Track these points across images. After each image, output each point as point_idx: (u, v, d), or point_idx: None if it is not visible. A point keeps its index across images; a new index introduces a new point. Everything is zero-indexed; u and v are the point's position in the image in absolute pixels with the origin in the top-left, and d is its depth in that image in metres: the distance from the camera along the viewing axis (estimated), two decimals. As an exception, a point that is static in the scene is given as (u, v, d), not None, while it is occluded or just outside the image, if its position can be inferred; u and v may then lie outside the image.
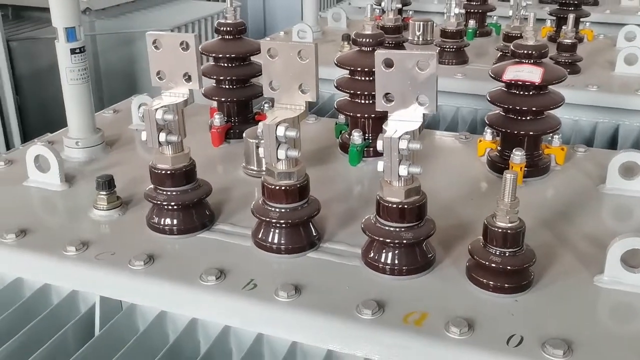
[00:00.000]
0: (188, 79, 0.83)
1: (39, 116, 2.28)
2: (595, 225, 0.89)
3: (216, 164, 1.09)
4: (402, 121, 0.74)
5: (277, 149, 0.76)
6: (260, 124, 0.76)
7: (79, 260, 0.82)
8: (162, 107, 0.80)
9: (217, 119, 1.12)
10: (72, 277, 0.82)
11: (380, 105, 0.75)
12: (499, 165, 1.02)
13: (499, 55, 1.60)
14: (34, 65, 2.30)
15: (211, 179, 0.91)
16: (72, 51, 1.03)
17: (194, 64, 0.82)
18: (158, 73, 0.84)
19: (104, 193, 0.90)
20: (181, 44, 0.81)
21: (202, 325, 0.81)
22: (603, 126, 1.46)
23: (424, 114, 0.73)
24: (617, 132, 1.44)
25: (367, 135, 1.07)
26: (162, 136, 0.81)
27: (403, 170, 0.72)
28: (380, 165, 0.72)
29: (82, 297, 0.86)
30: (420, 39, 1.81)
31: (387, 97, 0.75)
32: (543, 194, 0.97)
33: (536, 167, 1.01)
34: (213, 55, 1.12)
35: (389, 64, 0.73)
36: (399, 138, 0.71)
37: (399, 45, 1.47)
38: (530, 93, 0.97)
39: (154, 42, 0.83)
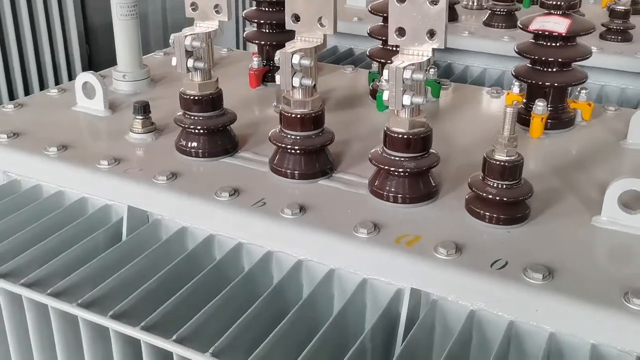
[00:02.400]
0: (218, 10, 0.88)
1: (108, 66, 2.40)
2: (609, 176, 0.89)
3: (251, 103, 1.14)
4: (412, 55, 0.77)
5: (292, 76, 0.80)
6: (278, 52, 0.80)
7: (110, 173, 0.89)
8: (191, 34, 0.86)
9: (256, 62, 1.17)
10: (103, 187, 0.89)
11: (393, 39, 0.78)
12: (523, 116, 1.03)
13: (488, 14, 1.60)
14: (105, 17, 2.41)
15: (243, 115, 0.97)
16: (123, -13, 1.10)
17: (224, -4, 0.87)
18: (192, 4, 0.90)
19: (140, 117, 0.97)
20: (213, -24, 0.87)
21: (217, 241, 0.87)
22: (650, 96, 1.43)
23: (433, 49, 0.76)
24: (664, 103, 1.41)
25: (396, 82, 1.10)
26: (190, 62, 0.87)
27: (406, 100, 0.75)
28: (386, 94, 0.76)
29: (114, 210, 0.94)
30: (475, 4, 1.81)
31: (400, 31, 0.78)
32: (562, 145, 0.98)
33: (559, 120, 1.02)
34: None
35: (401, -2, 0.76)
36: (404, 68, 0.74)
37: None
38: (557, 44, 0.98)
39: (189, -25, 0.88)
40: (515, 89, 1.08)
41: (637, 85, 1.44)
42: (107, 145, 0.97)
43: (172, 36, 0.86)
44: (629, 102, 1.44)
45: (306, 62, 0.80)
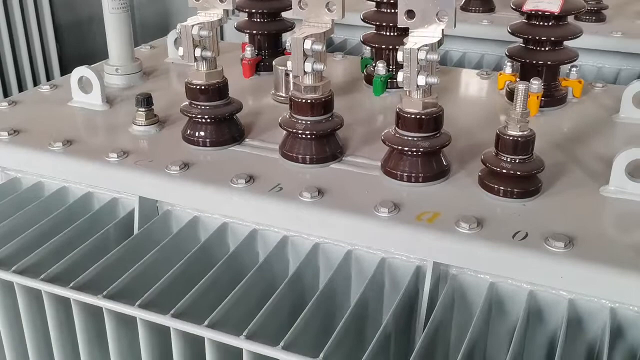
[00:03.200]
0: (222, -1, 0.88)
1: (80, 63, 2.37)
2: (606, 147, 0.93)
3: (247, 93, 1.14)
4: (422, 37, 0.79)
5: (304, 62, 0.81)
6: (289, 37, 0.81)
7: (119, 165, 0.88)
8: (198, 23, 0.86)
9: (249, 51, 1.18)
10: (113, 180, 0.89)
11: (402, 21, 0.80)
12: (517, 95, 1.06)
13: None
14: (74, 16, 2.38)
15: (243, 104, 0.97)
16: (113, -19, 1.09)
17: (228, -15, 0.87)
18: (195, -6, 0.90)
19: (143, 109, 0.97)
20: (216, -35, 0.87)
21: (231, 229, 0.88)
22: (626, 73, 1.48)
23: (442, 30, 0.78)
24: (640, 79, 1.46)
25: (391, 67, 1.12)
26: (198, 51, 0.87)
27: (421, 80, 0.77)
28: (400, 75, 0.77)
29: (121, 204, 0.94)
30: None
31: (409, 14, 0.79)
32: (558, 121, 1.02)
33: (553, 98, 1.05)
34: (246, -11, 1.17)
35: (410, -19, 0.77)
36: (418, 49, 0.75)
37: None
38: (550, 23, 1.01)
39: (191, -36, 0.88)
40: (508, 69, 1.10)
41: (612, 64, 1.49)
42: (111, 138, 0.97)
43: (178, 26, 0.86)
44: (605, 80, 1.48)
45: (318, 47, 0.81)
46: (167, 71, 1.25)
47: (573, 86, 1.08)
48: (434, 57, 0.76)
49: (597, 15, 1.55)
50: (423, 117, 0.80)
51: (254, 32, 1.20)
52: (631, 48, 1.45)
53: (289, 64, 0.83)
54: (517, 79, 1.08)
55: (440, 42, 0.79)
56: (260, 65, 1.21)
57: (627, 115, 1.00)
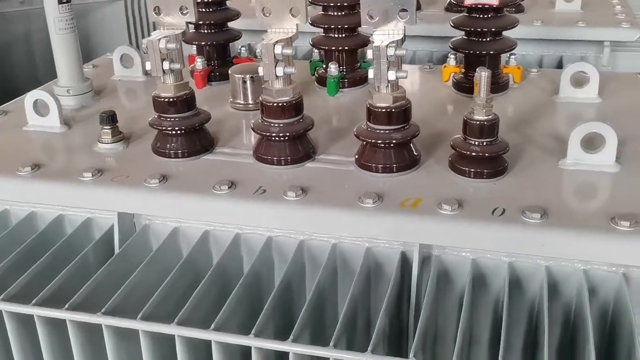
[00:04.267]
0: (183, 10, 0.90)
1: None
2: (553, 126, 1.00)
3: (203, 104, 1.15)
4: (386, 34, 0.83)
5: (276, 66, 0.84)
6: (259, 44, 0.84)
7: (96, 184, 0.88)
8: (164, 37, 0.87)
9: (200, 62, 1.19)
10: (90, 199, 0.88)
11: (365, 21, 0.84)
12: (464, 85, 1.12)
13: (448, 1, 1.71)
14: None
15: (204, 114, 0.99)
16: (60, 1, 1.08)
17: (189, -3, 0.89)
18: (155, 9, 0.91)
19: (108, 127, 0.97)
20: (176, -21, 0.88)
21: (213, 237, 0.89)
22: (548, 59, 1.59)
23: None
24: (562, 63, 1.57)
25: (341, 67, 1.16)
26: (166, 64, 0.88)
27: (392, 75, 0.81)
28: (371, 72, 0.81)
29: (96, 223, 0.93)
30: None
31: (371, 14, 0.84)
32: (505, 106, 1.08)
33: (497, 85, 1.12)
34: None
35: (371, -18, 0.82)
36: (387, 46, 0.80)
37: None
38: (489, 15, 1.08)
39: (150, -21, 0.89)
40: (452, 61, 1.17)
41: (535, 51, 1.59)
42: (79, 159, 0.96)
43: (144, 41, 0.87)
44: (530, 66, 1.58)
45: (288, 51, 0.83)
46: (115, 89, 1.24)
47: (513, 73, 1.15)
48: (402, 52, 0.80)
49: (517, 6, 1.65)
50: (394, 110, 0.84)
51: (203, 43, 1.21)
52: (551, 35, 1.56)
53: (260, 70, 0.85)
54: (462, 70, 1.15)
55: (403, 39, 0.83)
56: (211, 75, 1.22)
57: (566, 95, 1.08)
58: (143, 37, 2.41)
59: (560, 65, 1.57)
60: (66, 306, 0.76)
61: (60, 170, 0.92)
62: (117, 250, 0.89)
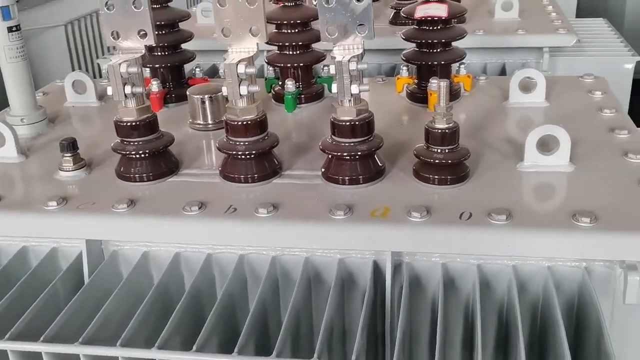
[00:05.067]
0: (144, 35, 0.90)
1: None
2: (507, 131, 1.04)
3: (162, 126, 1.15)
4: (346, 49, 0.85)
5: (240, 85, 0.85)
6: (222, 64, 0.84)
7: (61, 212, 0.87)
8: (125, 61, 0.87)
9: (155, 85, 1.19)
10: (58, 228, 0.87)
11: (325, 37, 0.86)
12: (418, 95, 1.16)
13: (393, 13, 1.75)
14: None
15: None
16: (9, 29, 1.06)
17: (147, 21, 0.89)
18: (112, 33, 0.91)
19: (69, 154, 0.95)
20: (133, 2, 0.88)
21: (184, 259, 0.89)
22: (491, 66, 1.64)
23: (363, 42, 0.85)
24: (505, 70, 1.63)
25: (298, 83, 1.18)
26: (128, 89, 0.88)
27: (355, 89, 0.83)
28: (335, 87, 0.83)
29: (62, 253, 0.92)
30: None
31: (329, 30, 0.86)
32: (459, 114, 1.12)
33: (450, 94, 1.15)
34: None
35: (329, -1, 0.84)
36: (349, 61, 0.82)
37: None
38: (439, 27, 1.11)
39: (106, 3, 0.89)
40: (404, 73, 1.20)
41: (478, 59, 1.65)
42: (40, 188, 0.94)
43: (105, 66, 0.87)
44: (475, 74, 1.63)
45: (251, 70, 0.85)
46: (69, 116, 1.22)
47: (464, 81, 1.19)
48: (364, 66, 0.82)
49: (458, 17, 1.70)
50: (358, 123, 0.86)
51: (157, 65, 1.21)
52: (493, 43, 1.62)
53: (223, 89, 0.86)
54: (415, 81, 1.18)
55: (363, 54, 0.85)
56: (167, 97, 1.22)
57: (516, 101, 1.13)
58: (85, 62, 2.38)
59: (503, 72, 1.63)
60: (42, 338, 0.75)
61: (22, 201, 0.91)
62: (86, 278, 0.88)
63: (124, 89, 0.88)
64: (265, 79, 1.25)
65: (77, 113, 1.23)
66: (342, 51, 0.85)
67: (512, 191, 0.85)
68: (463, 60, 1.17)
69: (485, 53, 1.64)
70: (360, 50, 0.84)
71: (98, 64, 1.20)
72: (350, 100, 0.85)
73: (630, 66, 1.61)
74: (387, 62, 1.69)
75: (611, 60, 1.61)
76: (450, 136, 0.85)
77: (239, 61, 0.84)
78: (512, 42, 1.59)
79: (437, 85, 0.85)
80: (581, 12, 2.82)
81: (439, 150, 0.86)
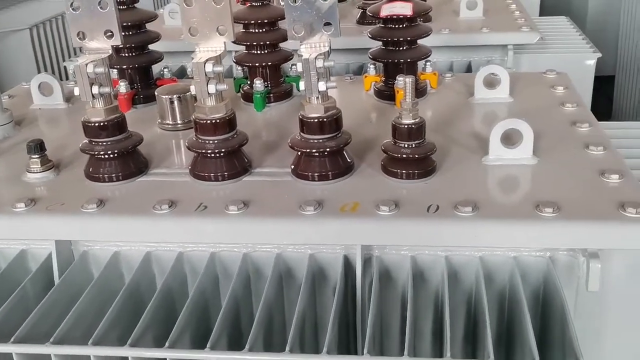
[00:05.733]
0: (110, 35, 0.90)
1: None
2: (472, 126, 1.06)
3: (130, 127, 1.14)
4: (313, 47, 0.86)
5: (208, 84, 0.85)
6: (190, 63, 0.85)
7: (30, 213, 0.86)
8: (91, 61, 0.87)
9: (123, 86, 1.18)
10: (26, 230, 0.87)
11: (291, 36, 0.87)
12: (386, 93, 1.17)
13: (360, 12, 1.77)
14: None
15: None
16: (-27, 31, 1.05)
17: (113, 21, 0.89)
18: (78, 34, 0.90)
19: (37, 156, 0.95)
20: (99, 3, 0.88)
21: (155, 258, 0.90)
22: (457, 64, 1.67)
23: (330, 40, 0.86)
24: (470, 68, 1.66)
25: (266, 83, 1.18)
26: (95, 89, 0.88)
27: (322, 86, 0.84)
28: (302, 84, 0.84)
29: (31, 254, 0.91)
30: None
31: (296, 29, 0.87)
32: (426, 110, 1.14)
33: (416, 91, 1.17)
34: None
35: (295, -2, 0.85)
36: (315, 58, 0.83)
37: None
38: (404, 25, 1.13)
39: (72, 4, 0.89)
40: (372, 71, 1.22)
41: (445, 58, 1.67)
42: (7, 190, 0.94)
43: (71, 66, 0.87)
44: (441, 72, 1.65)
45: (219, 68, 0.85)
46: (36, 118, 1.21)
47: (430, 79, 1.21)
48: (330, 64, 0.83)
49: (424, 16, 1.72)
50: (326, 119, 0.87)
51: (124, 66, 1.21)
52: (459, 41, 1.64)
53: (192, 88, 0.86)
54: (382, 79, 1.20)
55: (329, 52, 0.87)
56: (135, 98, 1.22)
57: (481, 97, 1.15)
58: (52, 65, 2.36)
59: (469, 70, 1.66)
60: (12, 339, 0.74)
61: (-11, 204, 0.90)
62: (56, 279, 0.88)
63: (91, 89, 0.88)
64: (234, 79, 1.26)
65: (44, 115, 1.22)
66: (309, 49, 0.86)
67: (478, 184, 0.87)
68: (429, 58, 1.19)
69: (451, 51, 1.66)
70: (327, 48, 0.86)
71: (65, 67, 1.19)
72: (318, 98, 0.86)
73: (592, 62, 1.65)
74: (355, 62, 1.70)
75: (573, 57, 1.65)
76: (417, 131, 0.87)
77: (207, 60, 0.85)
78: (477, 40, 1.62)
79: (402, 82, 0.86)
80: (545, 11, 2.87)
81: (406, 145, 0.87)
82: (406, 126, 0.87)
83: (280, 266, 0.87)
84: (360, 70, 1.68)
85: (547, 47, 1.70)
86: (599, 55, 1.65)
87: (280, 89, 1.20)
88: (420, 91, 1.18)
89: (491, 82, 1.16)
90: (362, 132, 1.05)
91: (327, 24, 0.86)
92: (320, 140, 0.88)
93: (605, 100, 3.18)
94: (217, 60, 0.86)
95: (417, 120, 0.87)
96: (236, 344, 0.80)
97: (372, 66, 1.21)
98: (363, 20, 1.74)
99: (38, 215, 0.86)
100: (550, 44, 1.72)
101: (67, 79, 0.91)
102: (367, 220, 0.81)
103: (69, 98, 1.26)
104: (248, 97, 1.19)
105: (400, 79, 1.08)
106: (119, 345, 0.73)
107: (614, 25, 3.16)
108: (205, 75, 0.85)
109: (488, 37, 1.62)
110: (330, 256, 0.86)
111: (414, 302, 0.82)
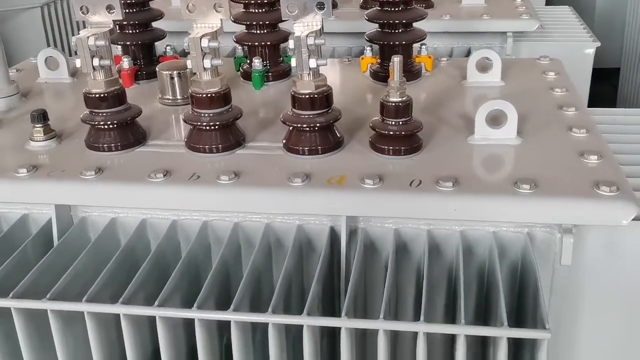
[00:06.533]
0: (110, 9, 0.93)
1: None
2: (462, 108, 1.09)
3: (132, 101, 1.18)
4: (306, 26, 0.89)
5: (203, 58, 0.89)
6: (187, 38, 0.88)
7: (32, 178, 0.91)
8: (92, 34, 0.90)
9: (126, 62, 1.22)
10: (27, 194, 0.91)
11: (285, 14, 0.90)
12: (381, 74, 1.20)
13: None
14: None
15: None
16: (-18, 4, 1.09)
17: (114, -5, 0.92)
18: (82, 8, 0.94)
19: (40, 125, 0.99)
20: (102, -23, 0.92)
21: (150, 225, 0.94)
22: (458, 50, 1.70)
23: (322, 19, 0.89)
24: (470, 54, 1.68)
25: (265, 62, 1.22)
26: (96, 61, 0.92)
27: (313, 63, 0.87)
28: (294, 61, 0.88)
29: (32, 219, 0.95)
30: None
31: (290, 7, 0.90)
32: (419, 92, 1.17)
33: (410, 73, 1.20)
34: (115, 2, 1.21)
35: (289, -22, 0.88)
36: (307, 36, 0.86)
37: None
38: (400, 8, 1.16)
39: (76, -22, 0.93)
40: (368, 53, 1.25)
41: (446, 43, 1.70)
42: (11, 157, 0.98)
43: (74, 38, 0.90)
44: (440, 57, 1.68)
45: (214, 44, 0.89)
46: (42, 91, 1.25)
47: (425, 62, 1.24)
48: (321, 41, 0.87)
49: (426, 2, 1.75)
50: (316, 96, 0.90)
51: (128, 43, 1.24)
52: (459, 28, 1.67)
53: (188, 63, 0.90)
54: (378, 61, 1.23)
55: (322, 30, 0.90)
56: (137, 74, 1.25)
57: (473, 80, 1.18)
58: (62, 43, 2.40)
59: (468, 56, 1.68)
60: (11, 295, 0.79)
61: (-7, 169, 0.94)
62: (56, 242, 0.92)
63: (92, 61, 0.91)
64: (235, 58, 1.29)
65: (50, 88, 1.26)
66: (302, 27, 0.89)
67: (461, 162, 0.90)
68: (424, 42, 1.22)
69: (451, 37, 1.69)
70: (319, 27, 0.89)
71: (73, 44, 1.22)
72: (309, 74, 0.90)
73: (591, 51, 1.67)
74: (357, 46, 1.73)
75: (572, 46, 1.68)
76: (404, 109, 0.90)
77: (203, 35, 0.88)
78: (476, 27, 1.65)
79: (391, 61, 0.89)
80: (553, 1, 2.88)
81: (393, 123, 0.91)
82: (393, 104, 0.90)
83: (269, 236, 0.91)
84: (362, 54, 1.70)
85: (547, 35, 1.73)
86: (598, 44, 1.67)
87: (279, 68, 1.23)
88: (414, 73, 1.21)
89: (485, 67, 1.19)
90: (354, 111, 1.08)
91: (320, 4, 0.89)
92: (311, 116, 0.91)
93: (613, 92, 3.19)
94: (213, 36, 0.90)
95: (404, 98, 0.90)
96: (225, 306, 0.84)
97: (368, 48, 1.24)
98: (366, 5, 1.77)
99: (39, 180, 0.90)
100: (551, 33, 1.74)
101: (76, 54, 0.95)
102: (352, 193, 0.84)
103: (74, 73, 1.30)
104: (247, 76, 1.22)
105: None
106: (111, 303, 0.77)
107: (622, 17, 3.16)
108: (202, 50, 0.88)
109: (488, 24, 1.64)
110: (317, 227, 0.90)
111: (395, 270, 0.85)
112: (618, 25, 3.21)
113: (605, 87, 3.20)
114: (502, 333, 0.72)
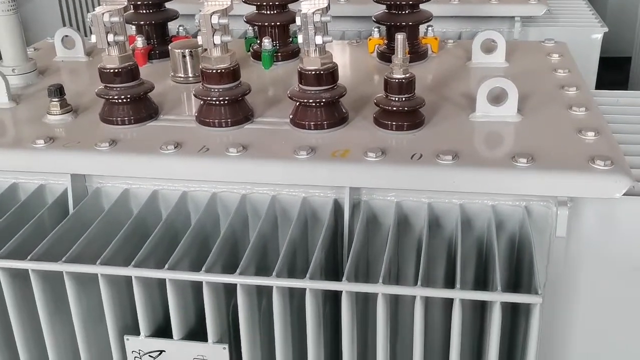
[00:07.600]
0: (126, -13, 0.97)
1: None
2: (466, 87, 1.12)
3: (147, 78, 1.22)
4: (312, 4, 0.92)
5: (214, 35, 0.92)
6: (198, 15, 0.92)
7: (49, 149, 0.95)
8: (107, 11, 0.94)
9: (140, 41, 1.26)
10: (44, 164, 0.95)
11: (293, -7, 0.93)
12: (387, 55, 1.23)
13: None
14: None
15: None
16: (2, -16, 1.13)
17: (130, -26, 0.96)
18: (97, -14, 0.97)
19: (57, 99, 1.03)
20: (117, -43, 0.95)
21: (162, 196, 0.97)
22: (466, 35, 1.71)
23: (328, -3, 0.92)
24: (478, 38, 1.70)
25: (274, 42, 1.25)
26: (110, 37, 0.95)
27: (319, 39, 0.90)
28: (300, 38, 0.91)
29: (49, 189, 0.99)
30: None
31: (298, -14, 0.93)
32: (424, 72, 1.19)
33: (416, 54, 1.23)
34: (129, -17, 1.25)
35: (297, -43, 0.91)
36: (313, 13, 0.89)
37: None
38: (407, -10, 1.19)
39: (92, -42, 0.96)
40: (376, 34, 1.27)
41: (454, 28, 1.72)
42: (29, 130, 1.01)
43: (89, 15, 0.94)
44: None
45: (224, 20, 0.92)
46: (58, 69, 1.29)
47: (431, 43, 1.26)
48: (327, 19, 0.90)
49: (435, -14, 1.77)
50: (322, 72, 0.93)
51: (142, 23, 1.28)
52: (467, 12, 1.69)
53: (199, 39, 0.93)
54: (385, 42, 1.25)
55: (328, 7, 0.93)
56: (151, 53, 1.29)
57: (478, 61, 1.20)
58: (77, 24, 2.44)
59: (477, 41, 1.70)
60: (29, 257, 0.83)
61: (12, 140, 0.98)
62: (71, 211, 0.96)
63: (106, 37, 0.95)
64: (245, 39, 1.32)
65: (66, 67, 1.30)
66: (309, 5, 0.92)
67: (462, 137, 0.93)
68: (431, 23, 1.24)
69: (460, 22, 1.71)
70: (325, 5, 0.92)
71: (88, 20, 1.26)
72: (315, 51, 0.93)
73: (598, 36, 1.69)
74: (366, 29, 1.75)
75: (580, 31, 1.69)
76: (407, 85, 0.93)
77: (213, 12, 0.91)
78: (485, 11, 1.67)
79: (395, 38, 0.92)
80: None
81: (396, 99, 0.93)
82: (397, 80, 0.93)
83: (275, 207, 0.94)
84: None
85: (555, 20, 1.74)
86: (606, 29, 1.68)
87: (288, 48, 1.26)
88: (420, 54, 1.24)
89: (489, 48, 1.21)
90: (361, 90, 1.11)
91: (327, -18, 0.91)
92: (317, 92, 0.94)
93: (625, 81, 3.19)
94: (224, 13, 0.93)
95: (407, 75, 0.93)
96: (231, 271, 0.87)
97: (376, 29, 1.27)
98: (376, -12, 1.79)
99: (55, 150, 0.94)
100: (559, 17, 1.76)
101: (91, 32, 0.98)
102: (355, 165, 0.87)
103: (89, 52, 1.34)
104: (257, 56, 1.25)
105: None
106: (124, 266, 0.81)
107: (635, 6, 3.15)
108: (212, 26, 0.92)
109: (496, 9, 1.66)
110: (322, 200, 0.93)
111: (397, 241, 0.89)
112: (631, 14, 3.20)
113: (618, 76, 3.20)
114: (495, 297, 0.75)
